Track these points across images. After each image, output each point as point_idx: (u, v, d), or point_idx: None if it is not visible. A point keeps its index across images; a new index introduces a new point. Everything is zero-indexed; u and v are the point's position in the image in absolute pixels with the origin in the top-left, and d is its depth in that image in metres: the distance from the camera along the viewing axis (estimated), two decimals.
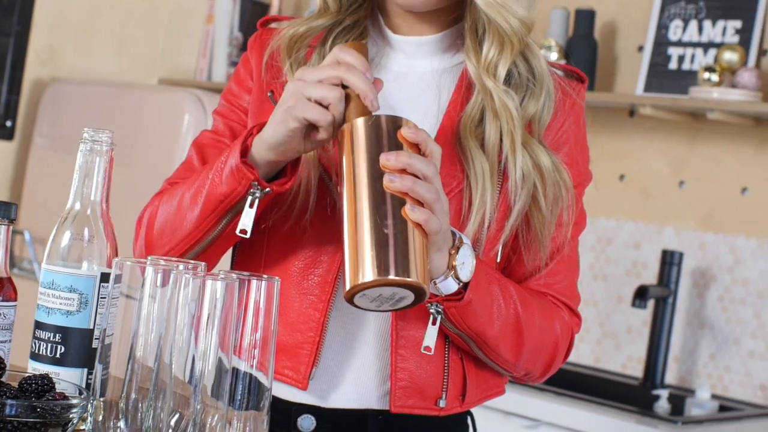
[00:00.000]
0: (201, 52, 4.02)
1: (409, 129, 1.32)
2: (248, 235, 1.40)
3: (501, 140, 1.48)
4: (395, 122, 1.32)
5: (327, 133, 1.37)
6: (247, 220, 1.40)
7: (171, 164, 3.24)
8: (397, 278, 1.26)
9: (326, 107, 1.35)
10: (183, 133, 3.27)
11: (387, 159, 1.29)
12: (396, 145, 1.31)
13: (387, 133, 1.31)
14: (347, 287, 1.27)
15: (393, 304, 1.30)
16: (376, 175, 1.29)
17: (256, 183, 1.40)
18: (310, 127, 1.37)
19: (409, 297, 1.29)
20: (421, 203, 1.29)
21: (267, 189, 1.40)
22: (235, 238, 1.49)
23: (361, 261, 1.26)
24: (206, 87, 3.77)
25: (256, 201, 1.40)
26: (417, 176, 1.29)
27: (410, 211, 1.28)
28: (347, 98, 1.35)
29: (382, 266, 1.25)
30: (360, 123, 1.32)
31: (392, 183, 1.28)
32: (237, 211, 1.43)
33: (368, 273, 1.26)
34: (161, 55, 4.01)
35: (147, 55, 3.98)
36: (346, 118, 1.35)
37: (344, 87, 1.36)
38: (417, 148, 1.32)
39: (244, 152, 1.41)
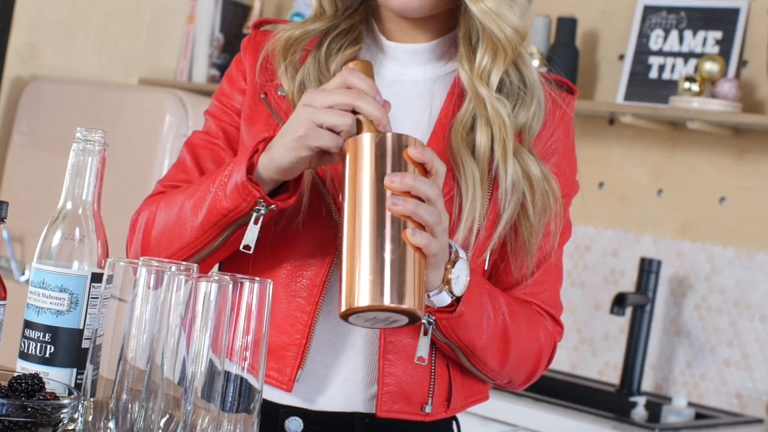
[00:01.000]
0: (182, 53, 4.01)
1: (415, 149, 1.32)
2: (251, 251, 1.41)
3: (492, 148, 1.48)
4: (401, 141, 1.32)
5: (339, 157, 1.37)
6: (251, 237, 1.41)
7: (152, 165, 3.24)
8: (392, 305, 1.27)
9: (338, 133, 1.36)
10: (164, 134, 3.27)
11: (392, 181, 1.29)
12: (400, 165, 1.31)
13: (392, 152, 1.31)
14: (342, 308, 1.28)
15: (387, 324, 1.32)
16: (379, 195, 1.29)
17: (262, 200, 1.40)
18: (321, 151, 1.37)
19: (403, 320, 1.30)
20: (422, 226, 1.30)
21: (272, 206, 1.41)
22: (234, 248, 1.48)
23: (357, 283, 1.27)
24: (186, 87, 3.77)
25: (261, 218, 1.41)
26: (420, 198, 1.30)
27: (411, 236, 1.28)
28: (358, 123, 1.36)
29: (378, 292, 1.26)
30: (366, 139, 1.32)
31: (395, 206, 1.28)
32: (239, 225, 1.43)
33: (364, 297, 1.27)
34: (142, 54, 4.00)
35: (128, 55, 3.97)
36: None
37: (354, 112, 1.36)
38: (422, 166, 1.33)
39: (250, 169, 1.41)
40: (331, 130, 1.35)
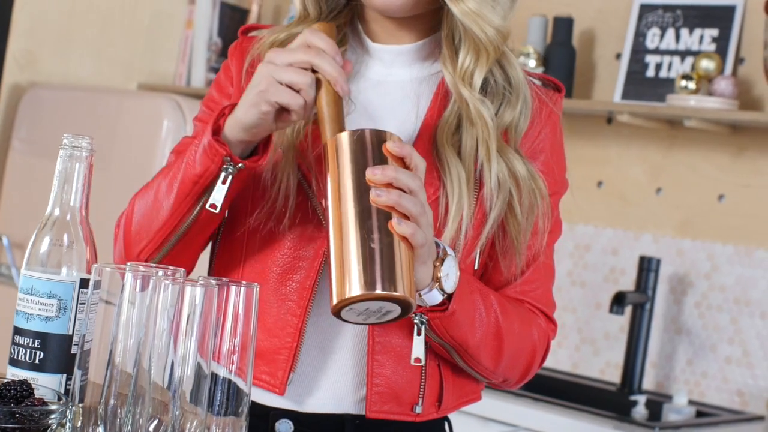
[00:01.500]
0: (180, 58, 4.02)
1: (393, 143, 1.33)
2: (217, 210, 1.42)
3: (477, 148, 1.49)
4: (379, 136, 1.33)
5: (298, 115, 1.39)
6: (218, 195, 1.42)
7: (150, 169, 3.25)
8: (384, 293, 1.26)
9: (297, 91, 1.37)
10: (162, 138, 3.27)
11: (373, 173, 1.30)
12: (381, 159, 1.32)
13: (372, 147, 1.32)
14: (334, 301, 1.28)
15: (379, 317, 1.31)
16: (362, 189, 1.30)
17: (229, 159, 1.41)
18: (282, 109, 1.39)
19: (396, 310, 1.30)
20: (407, 217, 1.30)
21: (240, 164, 1.42)
22: (210, 230, 1.49)
23: (348, 275, 1.27)
24: (185, 92, 3.77)
25: (230, 178, 1.42)
26: (403, 190, 1.30)
27: (397, 225, 1.29)
28: (318, 82, 1.38)
29: (369, 280, 1.26)
30: (345, 137, 1.33)
31: (379, 197, 1.29)
32: (212, 194, 1.44)
33: (355, 287, 1.26)
34: (140, 60, 4.00)
35: (126, 60, 3.97)
36: (317, 101, 1.38)
37: (314, 71, 1.38)
38: (401, 161, 1.33)
39: (217, 131, 1.43)
40: (290, 87, 1.37)
